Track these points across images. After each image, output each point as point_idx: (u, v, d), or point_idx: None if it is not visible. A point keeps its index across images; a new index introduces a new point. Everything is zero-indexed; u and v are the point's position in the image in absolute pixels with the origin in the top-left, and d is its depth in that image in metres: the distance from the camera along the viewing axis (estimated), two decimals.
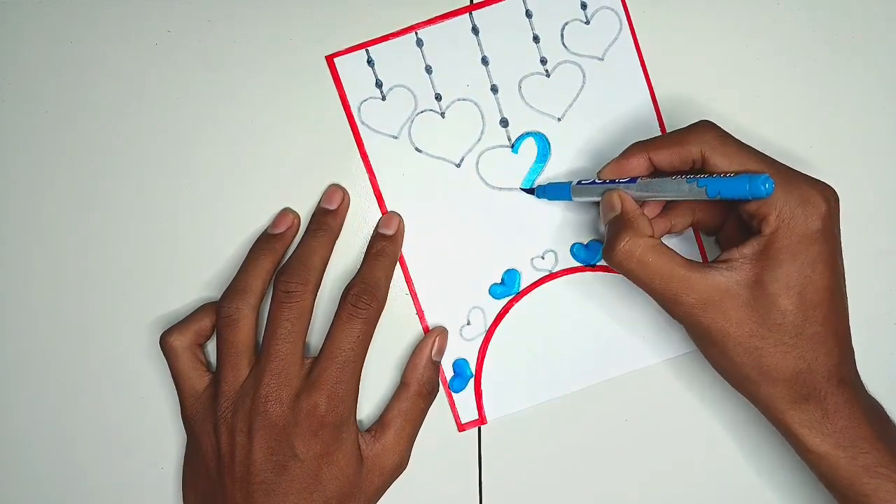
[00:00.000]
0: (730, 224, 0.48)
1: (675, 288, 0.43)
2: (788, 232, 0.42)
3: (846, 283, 0.44)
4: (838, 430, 0.43)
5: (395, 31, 0.51)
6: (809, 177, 0.43)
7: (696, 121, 0.45)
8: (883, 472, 0.43)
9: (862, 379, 0.46)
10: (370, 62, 0.51)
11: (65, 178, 0.51)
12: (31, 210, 0.51)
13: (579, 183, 0.48)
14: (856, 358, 0.45)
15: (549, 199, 0.51)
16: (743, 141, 0.44)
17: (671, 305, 0.44)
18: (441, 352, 0.51)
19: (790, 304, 0.42)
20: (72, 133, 0.51)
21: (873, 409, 0.45)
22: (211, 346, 0.50)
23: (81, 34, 0.51)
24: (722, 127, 0.45)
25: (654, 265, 0.43)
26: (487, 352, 0.52)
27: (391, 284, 0.50)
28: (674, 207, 0.49)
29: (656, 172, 0.46)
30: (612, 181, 0.46)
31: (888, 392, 0.52)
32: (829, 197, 0.42)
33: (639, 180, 0.45)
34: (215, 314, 0.48)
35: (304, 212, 0.51)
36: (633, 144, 0.47)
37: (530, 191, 0.52)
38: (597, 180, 0.47)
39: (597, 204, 0.50)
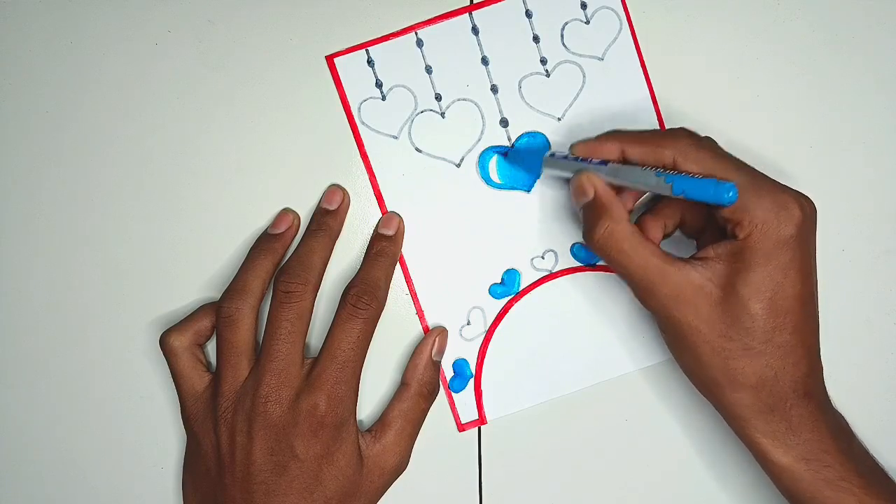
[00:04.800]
0: (710, 228, 0.48)
1: (651, 277, 0.43)
2: (762, 237, 0.42)
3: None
4: (802, 443, 0.43)
5: (395, 31, 0.51)
6: (786, 186, 0.43)
7: (675, 127, 0.46)
8: (844, 486, 0.43)
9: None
10: (370, 62, 0.51)
11: (65, 179, 0.51)
12: (31, 210, 0.51)
13: (552, 155, 0.49)
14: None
15: (520, 167, 0.51)
16: (724, 148, 0.45)
17: (645, 295, 0.44)
18: (441, 352, 0.51)
19: (760, 308, 0.42)
20: (72, 133, 0.51)
21: (837, 424, 0.45)
22: (211, 347, 0.50)
23: (81, 34, 0.51)
24: (709, 136, 0.45)
25: (630, 252, 0.44)
26: (487, 352, 0.52)
27: (391, 284, 0.50)
28: (663, 207, 0.48)
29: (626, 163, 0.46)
30: (584, 160, 0.46)
31: (888, 392, 0.52)
32: (804, 206, 0.42)
33: (609, 164, 0.45)
34: (215, 314, 0.48)
35: (304, 212, 0.51)
36: (611, 130, 0.47)
37: (504, 153, 0.52)
38: (570, 155, 0.47)
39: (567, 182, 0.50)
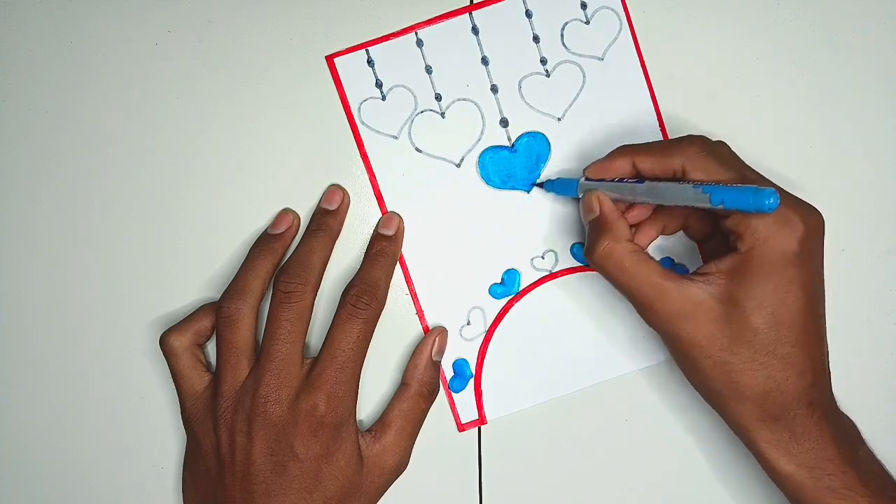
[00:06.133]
0: (716, 235, 0.48)
1: (651, 295, 0.43)
2: (763, 252, 0.42)
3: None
4: (804, 451, 0.43)
5: (394, 31, 0.51)
6: (795, 198, 0.43)
7: (685, 134, 0.46)
8: (847, 494, 0.43)
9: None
10: (370, 62, 0.51)
11: (65, 179, 0.51)
12: (31, 210, 0.51)
13: (587, 180, 0.48)
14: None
15: (557, 193, 0.51)
16: (736, 153, 0.45)
17: (646, 313, 0.44)
18: (441, 352, 0.51)
19: (762, 322, 0.42)
20: (72, 133, 0.51)
21: (844, 432, 0.45)
22: (211, 347, 0.50)
23: (81, 34, 0.51)
24: (723, 140, 0.45)
25: (631, 271, 0.44)
26: (487, 352, 0.52)
27: (391, 284, 0.50)
28: (666, 210, 0.49)
29: (640, 176, 0.46)
30: (621, 180, 0.46)
31: (888, 392, 0.52)
32: (808, 220, 0.42)
33: (646, 182, 0.45)
34: (215, 314, 0.48)
35: (304, 212, 0.51)
36: (620, 147, 0.47)
37: (539, 185, 0.52)
38: (605, 180, 0.47)
39: None
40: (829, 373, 0.46)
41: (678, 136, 0.47)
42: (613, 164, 0.47)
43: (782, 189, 0.43)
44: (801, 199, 0.43)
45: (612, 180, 0.47)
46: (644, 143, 0.47)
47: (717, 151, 0.45)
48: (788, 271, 0.42)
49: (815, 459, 0.43)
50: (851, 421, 0.47)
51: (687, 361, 0.45)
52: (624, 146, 0.47)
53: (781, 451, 0.44)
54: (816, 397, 0.44)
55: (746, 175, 0.43)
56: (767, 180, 0.44)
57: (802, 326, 0.43)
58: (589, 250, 0.45)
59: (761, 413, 0.43)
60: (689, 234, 0.51)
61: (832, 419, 0.44)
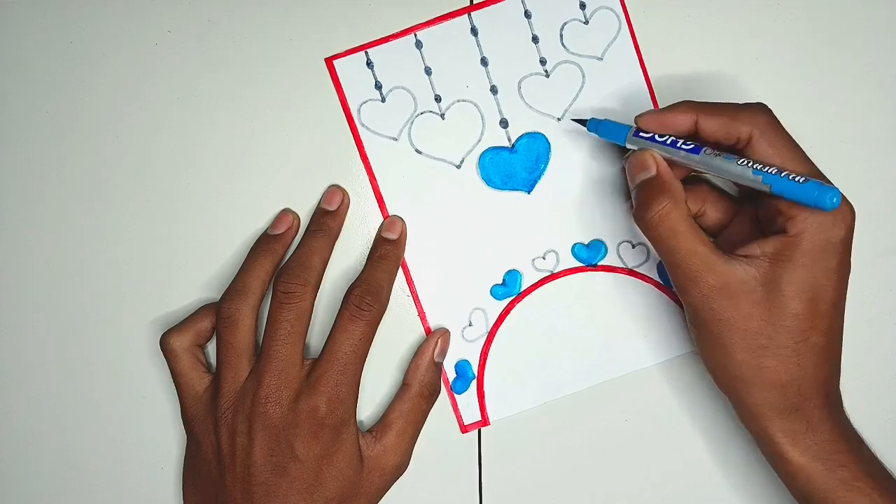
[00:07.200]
0: (740, 221, 0.48)
1: (698, 265, 0.43)
2: (813, 237, 0.41)
3: (851, 287, 0.44)
4: (819, 443, 0.43)
5: (394, 32, 0.51)
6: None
7: (753, 101, 0.45)
8: (859, 486, 0.43)
9: (862, 378, 0.46)
10: (369, 64, 0.51)
11: (64, 179, 0.51)
12: (31, 210, 0.51)
13: (637, 134, 0.46)
14: (856, 359, 0.45)
15: (600, 135, 0.49)
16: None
17: (688, 283, 0.43)
18: (443, 353, 0.51)
19: (801, 308, 0.42)
20: (72, 133, 0.51)
21: (849, 428, 0.45)
22: (211, 347, 0.50)
23: (81, 34, 0.51)
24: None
25: (684, 236, 0.43)
26: (490, 353, 0.52)
27: (393, 286, 0.50)
28: (689, 191, 0.47)
29: (695, 136, 0.45)
30: (673, 143, 0.45)
31: (888, 392, 0.52)
32: (853, 211, 0.42)
33: (703, 151, 0.43)
34: (215, 315, 0.48)
35: (304, 213, 0.51)
36: (684, 101, 0.45)
37: (582, 122, 0.50)
38: (657, 136, 0.45)
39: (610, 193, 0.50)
40: (841, 368, 0.46)
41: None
42: (674, 119, 0.45)
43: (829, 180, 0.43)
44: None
45: (664, 141, 0.45)
46: (710, 103, 0.45)
47: (784, 129, 0.44)
48: (833, 259, 0.42)
49: (828, 451, 0.43)
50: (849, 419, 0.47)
51: (717, 342, 0.44)
52: (689, 101, 0.45)
53: (797, 442, 0.44)
54: (832, 390, 0.44)
55: (807, 161, 0.43)
56: (819, 170, 0.43)
57: (833, 317, 0.43)
58: (642, 209, 0.44)
59: (782, 402, 0.43)
60: (700, 221, 0.49)
61: (842, 413, 0.45)
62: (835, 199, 0.39)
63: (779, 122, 0.44)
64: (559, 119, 0.52)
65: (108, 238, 0.51)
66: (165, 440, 0.52)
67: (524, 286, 0.52)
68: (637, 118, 0.46)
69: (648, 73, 0.52)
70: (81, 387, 0.52)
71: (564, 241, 0.52)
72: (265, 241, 0.50)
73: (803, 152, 0.43)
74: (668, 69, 0.52)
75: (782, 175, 0.41)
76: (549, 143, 0.52)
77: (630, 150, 0.47)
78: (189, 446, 0.49)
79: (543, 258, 0.52)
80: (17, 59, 0.51)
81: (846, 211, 0.42)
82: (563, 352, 0.53)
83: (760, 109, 0.44)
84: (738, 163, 0.42)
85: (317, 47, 0.51)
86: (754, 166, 0.42)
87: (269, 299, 0.48)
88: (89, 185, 0.51)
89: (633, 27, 0.52)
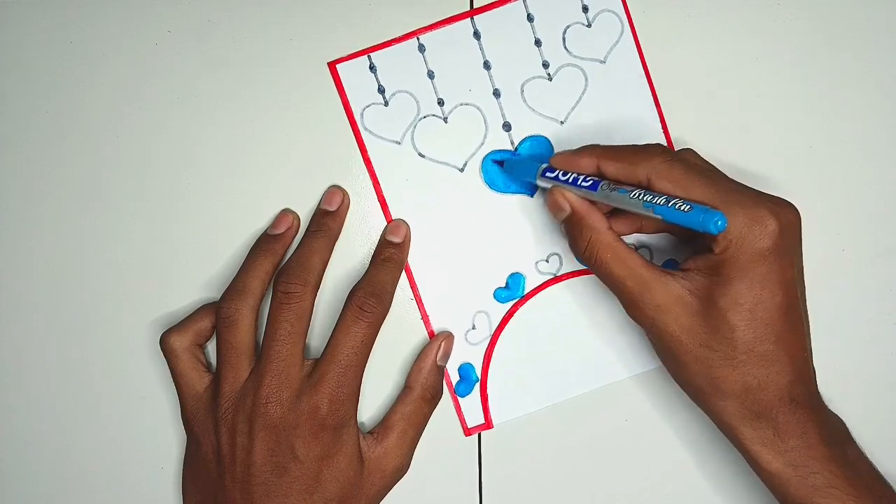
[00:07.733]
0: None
1: (634, 287, 0.44)
2: (737, 252, 0.42)
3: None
4: (790, 449, 0.43)
5: (396, 36, 0.51)
6: (766, 196, 0.44)
7: (649, 143, 0.46)
8: (834, 493, 0.43)
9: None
10: (372, 68, 0.51)
11: (64, 179, 0.51)
12: (31, 211, 0.51)
13: (544, 173, 0.48)
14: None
15: (515, 175, 0.51)
16: (704, 158, 0.46)
17: (631, 306, 0.45)
18: (446, 356, 0.52)
19: (740, 320, 0.42)
20: (72, 133, 0.51)
21: (831, 430, 0.45)
22: (211, 347, 0.50)
23: (81, 34, 0.50)
24: (689, 147, 0.46)
25: (614, 262, 0.44)
26: (493, 356, 0.53)
27: (396, 289, 0.50)
28: (620, 212, 0.48)
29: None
30: (574, 181, 0.46)
31: (888, 392, 0.53)
32: (781, 216, 0.42)
33: (600, 187, 0.45)
34: (215, 315, 0.48)
35: (304, 213, 0.51)
36: (591, 145, 0.47)
37: (500, 163, 0.52)
38: (560, 175, 0.47)
39: None
40: (814, 370, 0.46)
41: (642, 143, 0.47)
42: (580, 161, 0.47)
43: (752, 188, 0.44)
44: (773, 196, 0.44)
45: (566, 179, 0.47)
46: (612, 148, 0.47)
47: (683, 160, 0.45)
48: (763, 269, 0.42)
49: (800, 458, 0.43)
50: (840, 419, 0.47)
51: (669, 356, 0.45)
52: (594, 146, 0.47)
53: (767, 449, 0.44)
54: (799, 395, 0.44)
55: (713, 185, 0.43)
56: (736, 185, 0.44)
57: (781, 324, 0.43)
58: (574, 246, 0.46)
59: (743, 410, 0.44)
60: (672, 233, 0.51)
61: (818, 417, 0.44)
62: (719, 223, 0.40)
63: (674, 159, 0.44)
64: (562, 122, 0.52)
65: (108, 238, 0.51)
66: (165, 440, 0.52)
67: (527, 289, 0.52)
68: (551, 158, 0.48)
69: (651, 75, 0.52)
70: (81, 387, 0.52)
71: (568, 244, 0.52)
72: (265, 241, 0.50)
73: (708, 179, 0.43)
74: (671, 71, 0.52)
75: (669, 205, 0.41)
76: (551, 147, 0.52)
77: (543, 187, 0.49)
78: (189, 446, 0.49)
79: (546, 261, 0.52)
80: (17, 59, 0.50)
81: (768, 220, 0.42)
82: (566, 354, 0.53)
83: (653, 151, 0.45)
84: (632, 196, 0.43)
85: (317, 48, 0.51)
86: (644, 199, 0.43)
87: (269, 299, 0.48)
88: (89, 185, 0.51)
89: (636, 30, 0.51)
